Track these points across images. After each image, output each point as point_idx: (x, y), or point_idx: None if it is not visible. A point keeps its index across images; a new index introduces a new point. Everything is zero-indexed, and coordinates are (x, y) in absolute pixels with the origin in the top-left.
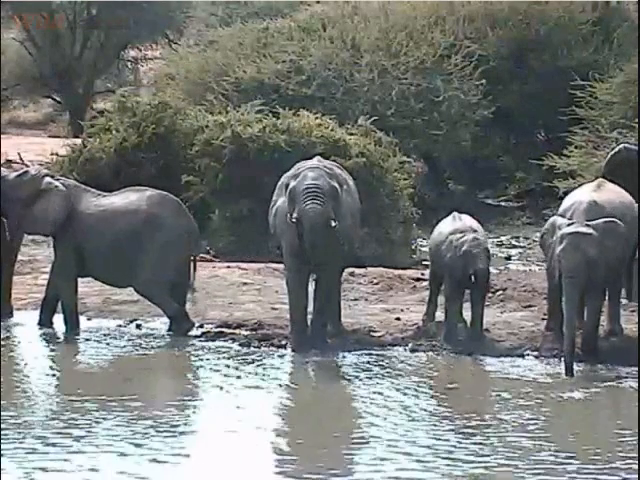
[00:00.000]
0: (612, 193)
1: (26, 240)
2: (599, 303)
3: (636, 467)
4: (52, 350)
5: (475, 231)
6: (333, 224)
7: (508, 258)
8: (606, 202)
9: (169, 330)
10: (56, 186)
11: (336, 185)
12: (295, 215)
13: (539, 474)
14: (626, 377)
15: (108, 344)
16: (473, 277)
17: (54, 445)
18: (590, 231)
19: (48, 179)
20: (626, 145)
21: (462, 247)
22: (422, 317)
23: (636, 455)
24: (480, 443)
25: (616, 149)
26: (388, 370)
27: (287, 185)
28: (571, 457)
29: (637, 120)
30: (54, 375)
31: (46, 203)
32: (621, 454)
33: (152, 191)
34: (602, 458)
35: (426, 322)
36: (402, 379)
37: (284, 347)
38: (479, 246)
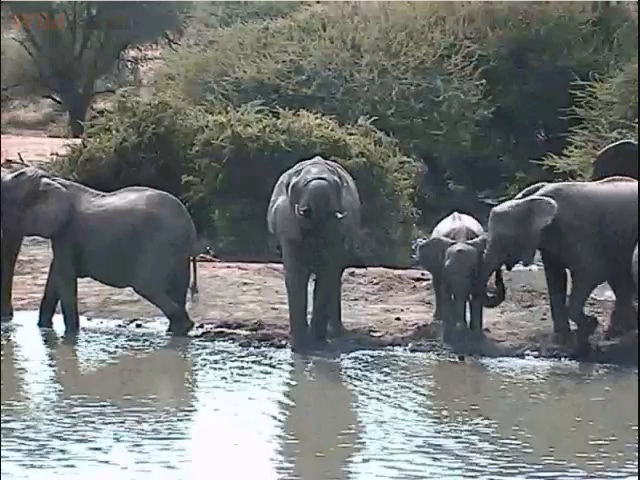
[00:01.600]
0: (618, 184)
1: (26, 240)
2: (579, 293)
3: (636, 467)
4: (52, 350)
5: (469, 235)
6: (340, 215)
7: None
8: (600, 190)
9: (169, 330)
10: (56, 187)
11: (338, 180)
12: (302, 206)
13: (539, 475)
14: (626, 377)
15: (108, 344)
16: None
17: (53, 447)
18: (503, 209)
19: (46, 180)
20: (630, 141)
21: (446, 261)
22: (433, 318)
23: (636, 455)
24: (480, 445)
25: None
26: (388, 370)
27: (288, 183)
28: (571, 458)
29: (637, 120)
30: (54, 376)
31: (46, 204)
32: (621, 454)
33: (151, 191)
34: (602, 458)
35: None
36: (402, 379)
37: (284, 347)
38: (459, 261)
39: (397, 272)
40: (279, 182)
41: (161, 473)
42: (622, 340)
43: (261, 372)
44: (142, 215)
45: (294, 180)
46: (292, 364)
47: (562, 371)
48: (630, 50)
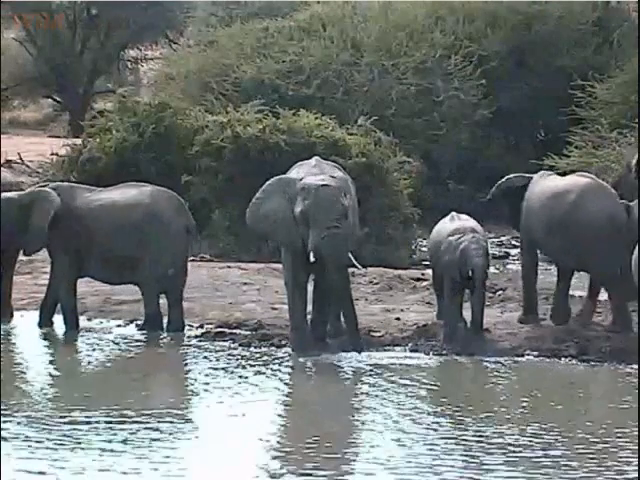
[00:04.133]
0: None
1: None
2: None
3: (636, 466)
4: (52, 350)
5: (474, 231)
6: (357, 266)
7: (505, 257)
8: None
9: (168, 330)
10: (47, 193)
11: (346, 203)
12: (312, 243)
13: (540, 474)
14: (626, 377)
15: (108, 344)
16: (471, 273)
17: (52, 448)
18: None
19: (33, 189)
20: None
21: (460, 246)
22: (436, 319)
23: (636, 454)
24: (481, 445)
25: None
26: (388, 370)
27: (290, 196)
28: (573, 457)
29: (637, 120)
30: (53, 376)
31: (35, 221)
32: (622, 453)
33: (151, 187)
34: (603, 457)
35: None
36: (402, 379)
37: (284, 347)
38: (477, 243)
39: (397, 272)
40: (272, 184)
41: (160, 474)
42: (622, 340)
43: (261, 372)
44: (142, 210)
45: (301, 207)
46: (292, 364)
47: (562, 371)
48: (630, 50)
